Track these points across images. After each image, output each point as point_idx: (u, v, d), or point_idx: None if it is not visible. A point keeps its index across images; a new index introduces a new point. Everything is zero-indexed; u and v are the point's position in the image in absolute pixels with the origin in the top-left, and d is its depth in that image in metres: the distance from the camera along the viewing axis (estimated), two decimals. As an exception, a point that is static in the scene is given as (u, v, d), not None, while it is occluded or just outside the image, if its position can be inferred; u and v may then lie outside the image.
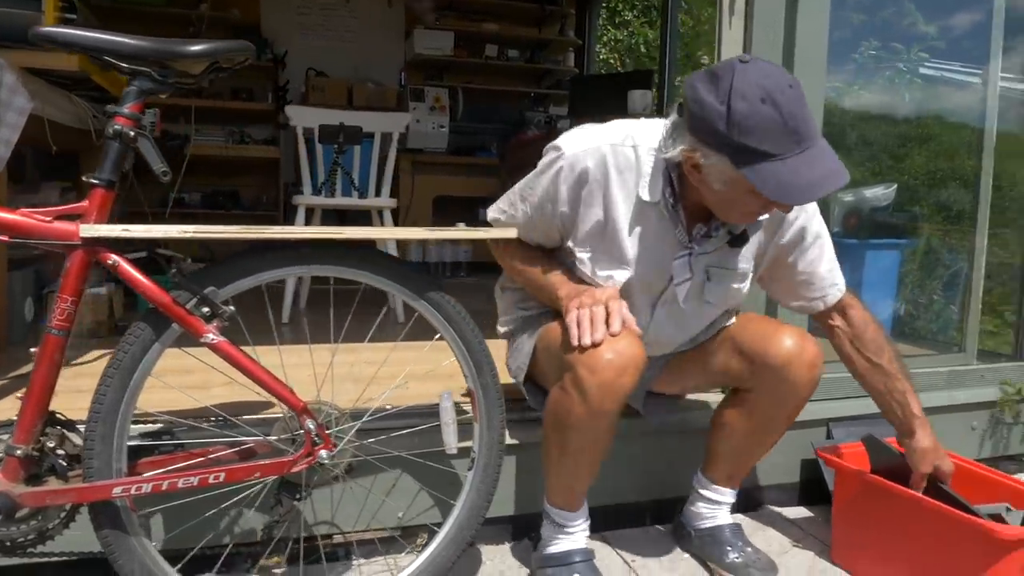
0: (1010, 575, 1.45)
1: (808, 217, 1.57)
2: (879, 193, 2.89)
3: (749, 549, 1.69)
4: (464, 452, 1.53)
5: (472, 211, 5.59)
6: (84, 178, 1.25)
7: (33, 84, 2.23)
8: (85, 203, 1.24)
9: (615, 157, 1.46)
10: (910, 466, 1.64)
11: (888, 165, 3.07)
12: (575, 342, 1.37)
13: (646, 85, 4.57)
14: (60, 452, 1.27)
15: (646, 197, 1.46)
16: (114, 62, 1.25)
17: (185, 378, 1.74)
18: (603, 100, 4.69)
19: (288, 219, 5.09)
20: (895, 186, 2.91)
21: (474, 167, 5.48)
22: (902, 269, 2.95)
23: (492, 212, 1.68)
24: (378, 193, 3.55)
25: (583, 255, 1.52)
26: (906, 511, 1.61)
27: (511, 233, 1.53)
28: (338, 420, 1.41)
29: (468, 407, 1.53)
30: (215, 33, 5.23)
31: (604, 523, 1.93)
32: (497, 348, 1.59)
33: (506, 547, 1.83)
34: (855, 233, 2.87)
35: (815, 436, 2.10)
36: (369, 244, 1.44)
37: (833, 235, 2.90)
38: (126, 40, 1.25)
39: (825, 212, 3.10)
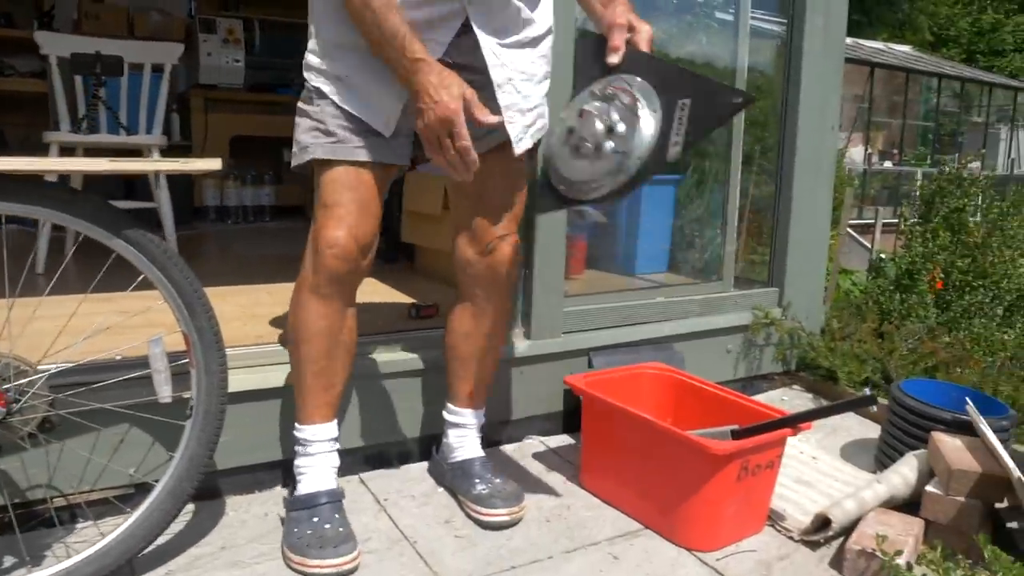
0: (726, 484, 1.56)
1: None
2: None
3: (498, 480, 1.71)
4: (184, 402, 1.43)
5: (276, 152, 5.33)
6: None
7: None
8: None
9: None
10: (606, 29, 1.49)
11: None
12: None
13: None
14: None
15: None
16: None
17: None
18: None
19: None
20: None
21: (276, 105, 5.16)
22: (677, 205, 3.08)
23: None
24: (149, 130, 3.27)
25: None
26: (639, 433, 1.69)
27: (214, 165, 1.38)
28: (20, 374, 1.26)
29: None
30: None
31: (367, 465, 1.91)
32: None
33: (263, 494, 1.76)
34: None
35: (577, 366, 2.16)
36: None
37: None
38: None
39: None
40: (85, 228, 1.29)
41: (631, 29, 1.44)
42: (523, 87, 1.52)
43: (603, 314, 2.24)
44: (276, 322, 2.13)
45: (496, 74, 1.47)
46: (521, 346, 2.07)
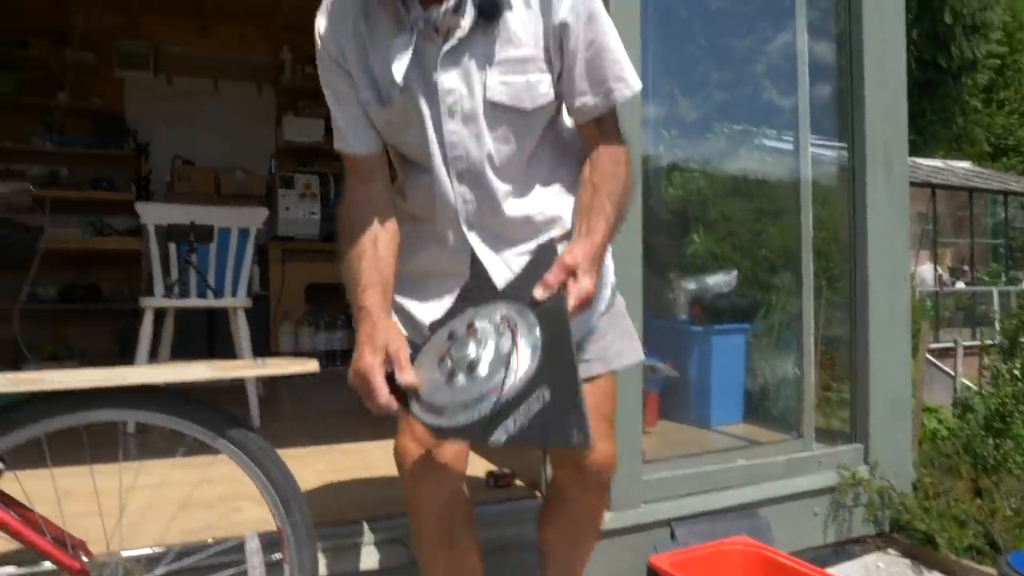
0: None
1: None
2: (720, 280, 3.02)
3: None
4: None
5: (344, 298, 5.52)
6: None
7: None
8: None
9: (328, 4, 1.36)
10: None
11: (746, 240, 3.19)
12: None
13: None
14: None
15: None
16: None
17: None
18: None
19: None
20: (735, 272, 3.05)
21: (349, 253, 5.43)
22: (748, 352, 3.06)
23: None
24: (235, 292, 3.44)
25: (365, 97, 1.36)
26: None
27: (311, 366, 1.44)
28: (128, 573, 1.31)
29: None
30: (79, 123, 5.07)
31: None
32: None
33: None
34: (700, 320, 2.98)
35: (659, 537, 2.11)
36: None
37: (680, 323, 2.98)
38: None
39: (672, 302, 3.15)
40: (193, 430, 1.36)
41: (573, 275, 1.23)
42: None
43: (683, 481, 2.20)
44: (356, 491, 2.16)
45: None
46: (604, 519, 2.03)
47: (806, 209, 2.50)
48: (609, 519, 2.04)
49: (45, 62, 5.03)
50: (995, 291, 9.34)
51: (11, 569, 1.53)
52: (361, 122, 1.37)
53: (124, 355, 5.02)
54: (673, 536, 2.12)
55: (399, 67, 1.26)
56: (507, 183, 1.36)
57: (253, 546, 1.42)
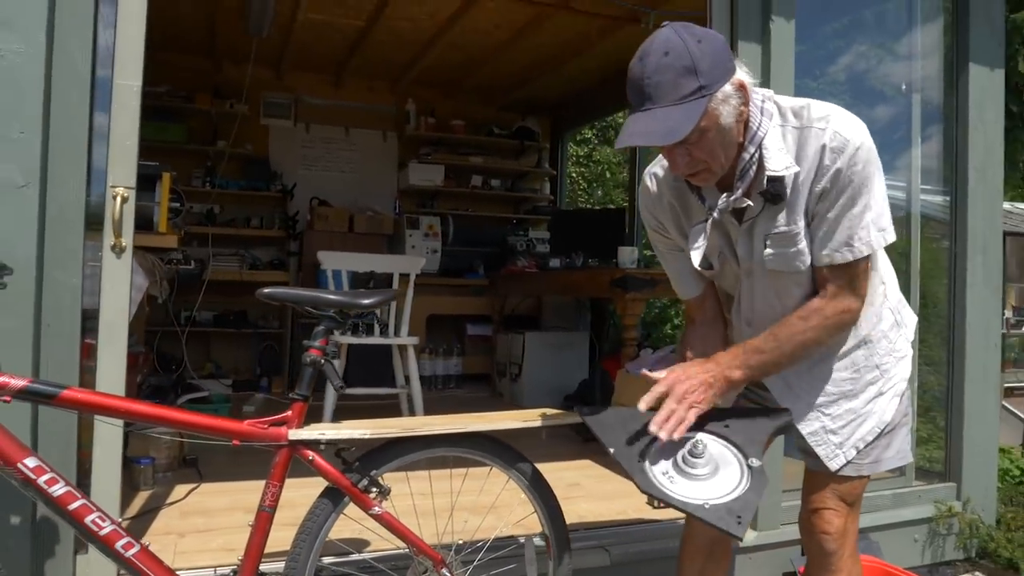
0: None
1: (846, 163, 1.45)
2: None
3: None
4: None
5: (460, 327, 6.13)
6: (287, 394, 1.72)
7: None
8: (288, 412, 1.71)
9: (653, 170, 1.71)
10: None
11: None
12: None
13: (619, 222, 5.21)
14: (263, 599, 1.70)
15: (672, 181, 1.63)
16: (310, 309, 1.75)
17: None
18: (579, 234, 5.28)
19: (295, 337, 5.55)
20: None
21: (462, 287, 6.04)
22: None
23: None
24: (397, 329, 4.04)
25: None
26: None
27: (575, 419, 1.99)
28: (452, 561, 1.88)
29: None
30: (231, 166, 5.75)
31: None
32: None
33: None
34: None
35: (792, 552, 2.62)
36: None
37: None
38: (323, 296, 1.76)
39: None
40: (494, 463, 1.92)
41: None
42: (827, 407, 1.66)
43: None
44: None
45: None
46: (749, 536, 2.56)
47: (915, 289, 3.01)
48: (756, 537, 2.56)
49: (207, 114, 5.73)
50: (1061, 332, 9.52)
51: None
52: (683, 274, 1.73)
53: (264, 372, 5.69)
54: (803, 552, 2.62)
55: (696, 255, 1.58)
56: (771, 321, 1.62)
57: (530, 545, 1.98)
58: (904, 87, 3.08)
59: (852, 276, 1.53)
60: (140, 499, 2.68)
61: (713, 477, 1.47)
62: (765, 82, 2.53)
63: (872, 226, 1.49)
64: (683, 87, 1.35)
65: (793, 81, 2.58)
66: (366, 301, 1.80)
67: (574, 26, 4.85)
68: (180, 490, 2.82)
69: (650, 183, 1.70)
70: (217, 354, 5.79)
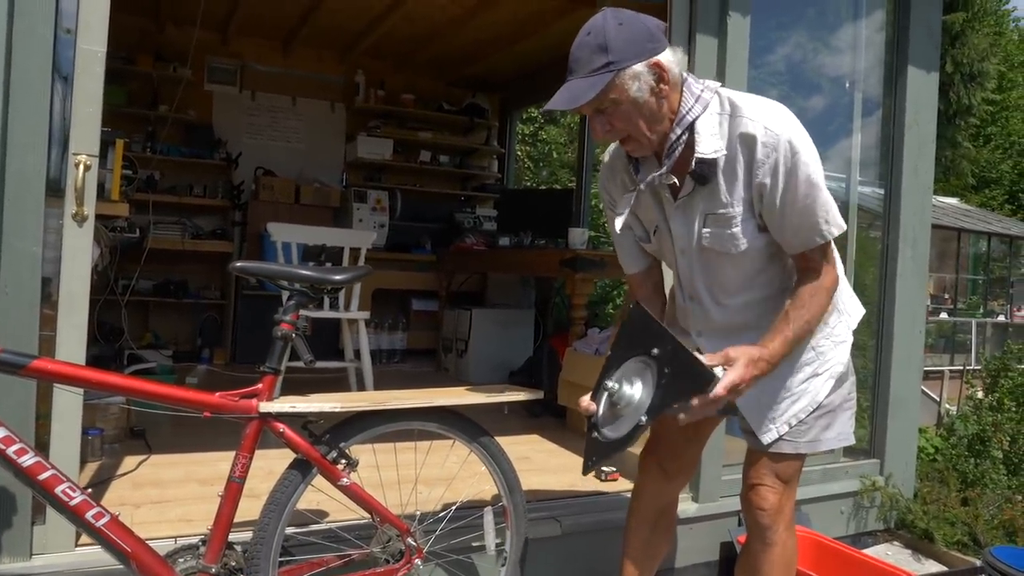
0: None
1: (784, 155, 1.55)
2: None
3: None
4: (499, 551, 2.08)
5: (405, 302, 6.15)
6: (259, 367, 1.75)
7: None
8: (259, 385, 1.74)
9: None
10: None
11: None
12: None
13: (566, 203, 5.30)
14: (232, 565, 1.73)
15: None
16: (282, 284, 1.78)
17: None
18: (527, 213, 5.34)
19: (237, 309, 5.47)
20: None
21: (409, 262, 6.05)
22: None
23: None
24: (348, 304, 4.05)
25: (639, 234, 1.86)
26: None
27: (536, 395, 2.08)
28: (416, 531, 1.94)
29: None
30: (173, 132, 5.59)
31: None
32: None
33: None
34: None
35: (730, 523, 2.77)
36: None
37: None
38: (297, 271, 1.78)
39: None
40: (457, 436, 1.99)
41: (729, 363, 1.55)
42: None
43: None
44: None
45: None
46: (690, 508, 2.69)
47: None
48: (697, 509, 2.70)
49: (148, 76, 5.56)
50: (974, 322, 10.13)
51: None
52: (627, 249, 1.90)
53: (206, 343, 5.60)
54: (740, 523, 2.78)
55: (619, 221, 1.76)
56: (713, 302, 1.80)
57: (490, 518, 2.06)
58: (848, 85, 3.24)
59: (826, 249, 1.67)
60: (89, 470, 2.65)
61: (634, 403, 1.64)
62: (720, 75, 2.63)
63: (831, 205, 1.62)
64: (594, 62, 1.52)
65: (746, 74, 2.69)
66: (339, 277, 1.83)
67: (529, 6, 4.88)
68: (129, 461, 2.79)
69: (607, 159, 1.85)
70: (156, 324, 5.67)
